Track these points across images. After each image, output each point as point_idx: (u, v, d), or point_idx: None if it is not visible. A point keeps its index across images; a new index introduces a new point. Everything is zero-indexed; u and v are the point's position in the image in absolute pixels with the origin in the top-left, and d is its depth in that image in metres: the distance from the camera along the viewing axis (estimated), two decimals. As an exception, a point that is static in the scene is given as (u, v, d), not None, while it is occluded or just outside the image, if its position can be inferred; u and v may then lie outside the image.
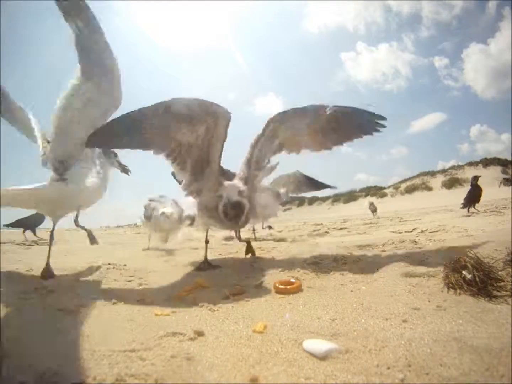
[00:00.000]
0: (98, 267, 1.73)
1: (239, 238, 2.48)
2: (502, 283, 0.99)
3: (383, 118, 1.89)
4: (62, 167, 1.57)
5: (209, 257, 2.31)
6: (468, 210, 4.76)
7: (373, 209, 6.20)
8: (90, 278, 1.51)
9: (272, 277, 1.47)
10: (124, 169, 2.01)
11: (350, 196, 21.24)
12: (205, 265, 1.83)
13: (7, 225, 4.60)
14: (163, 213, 2.64)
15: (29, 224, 4.48)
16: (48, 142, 1.62)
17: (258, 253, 2.34)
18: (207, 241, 2.00)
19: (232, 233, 3.63)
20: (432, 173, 19.88)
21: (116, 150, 1.94)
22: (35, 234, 4.69)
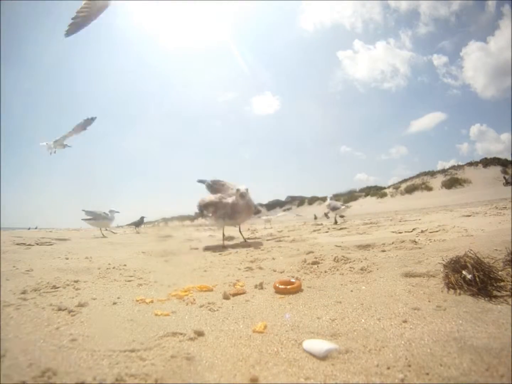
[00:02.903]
0: (98, 267, 1.73)
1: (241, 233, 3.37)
2: (502, 283, 0.99)
3: None
4: None
5: (209, 257, 2.31)
6: None
7: (327, 215, 7.68)
8: (90, 278, 1.51)
9: (272, 277, 1.47)
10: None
11: (350, 196, 21.25)
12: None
13: (129, 224, 6.81)
14: None
15: (137, 222, 6.65)
16: None
17: (258, 253, 2.34)
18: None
19: (233, 234, 3.72)
20: (432, 173, 19.89)
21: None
22: (136, 229, 6.76)
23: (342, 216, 6.89)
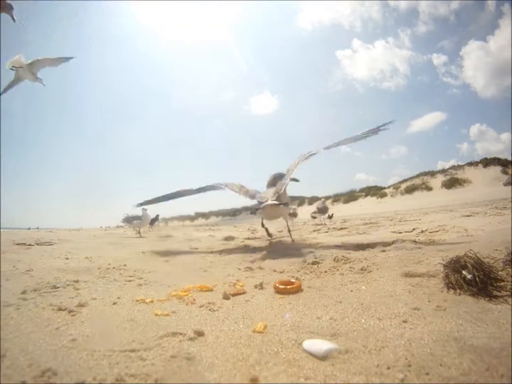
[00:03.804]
0: (98, 267, 1.73)
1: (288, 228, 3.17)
2: (502, 283, 0.99)
3: None
4: None
5: (208, 257, 2.31)
6: None
7: (317, 215, 7.63)
8: (90, 278, 1.51)
9: (272, 277, 1.47)
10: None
11: (350, 196, 21.24)
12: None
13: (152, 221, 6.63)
14: None
15: (152, 220, 6.51)
16: None
17: (258, 253, 2.34)
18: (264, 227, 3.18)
19: (233, 234, 3.72)
20: (432, 173, 19.88)
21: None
22: (151, 226, 6.81)
23: (330, 217, 7.42)
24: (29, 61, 3.44)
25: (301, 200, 21.76)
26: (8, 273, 1.48)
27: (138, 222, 5.36)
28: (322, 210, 7.18)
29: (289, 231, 3.12)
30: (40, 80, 3.59)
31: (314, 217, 7.55)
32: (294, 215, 7.30)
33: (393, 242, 2.16)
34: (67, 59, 3.64)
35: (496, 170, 17.36)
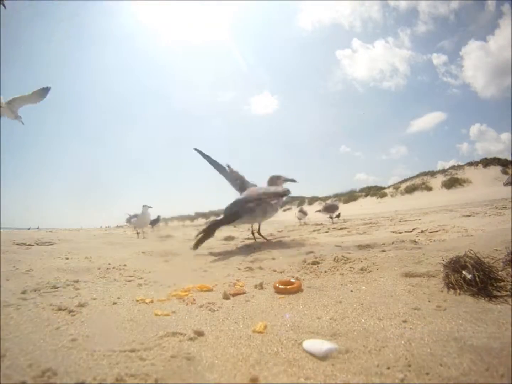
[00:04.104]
0: (98, 267, 1.74)
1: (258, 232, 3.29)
2: (502, 283, 0.99)
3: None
4: None
5: (208, 257, 2.31)
6: None
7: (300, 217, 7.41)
8: (90, 278, 1.51)
9: (272, 277, 1.47)
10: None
11: (350, 196, 21.23)
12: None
13: (152, 223, 6.67)
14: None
15: (153, 221, 6.69)
16: None
17: (258, 253, 2.34)
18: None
19: (233, 234, 3.76)
20: (432, 173, 19.86)
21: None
22: (152, 227, 7.01)
23: (337, 217, 7.15)
24: (7, 100, 3.59)
25: (301, 200, 21.73)
26: (8, 273, 1.48)
27: (136, 220, 5.26)
28: (329, 209, 6.91)
29: (257, 232, 3.27)
30: (20, 118, 3.67)
31: (299, 218, 7.28)
32: (304, 213, 7.17)
33: (393, 242, 2.16)
34: (44, 91, 3.64)
35: (496, 170, 17.35)
